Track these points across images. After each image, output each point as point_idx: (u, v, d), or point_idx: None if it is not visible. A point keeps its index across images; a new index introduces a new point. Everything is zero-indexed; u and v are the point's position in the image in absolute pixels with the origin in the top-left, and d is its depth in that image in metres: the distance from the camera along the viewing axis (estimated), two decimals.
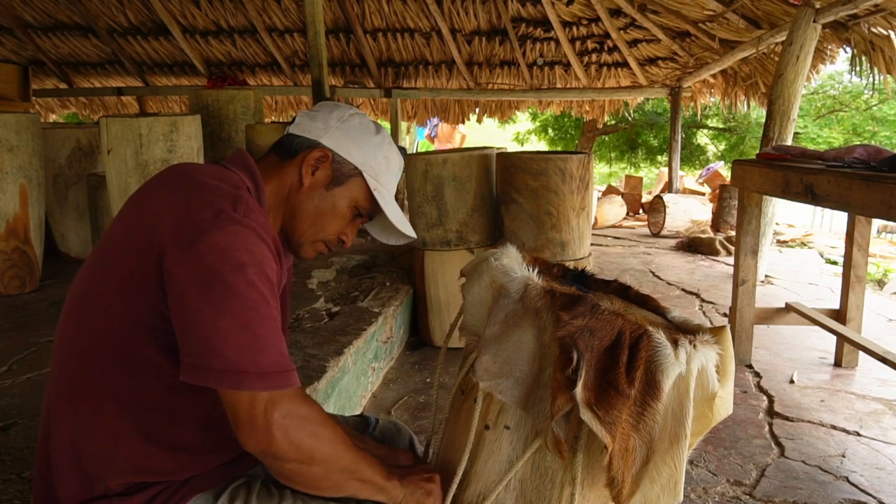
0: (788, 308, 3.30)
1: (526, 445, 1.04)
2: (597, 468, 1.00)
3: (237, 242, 0.93)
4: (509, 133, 15.47)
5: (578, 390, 0.91)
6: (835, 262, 5.68)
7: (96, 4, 7.24)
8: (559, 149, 13.06)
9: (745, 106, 7.00)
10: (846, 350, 3.21)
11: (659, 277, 5.08)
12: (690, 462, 2.33)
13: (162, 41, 7.70)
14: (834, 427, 2.60)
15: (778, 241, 6.63)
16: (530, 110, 12.11)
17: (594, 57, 7.44)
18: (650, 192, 9.23)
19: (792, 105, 4.48)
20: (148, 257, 0.95)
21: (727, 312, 3.63)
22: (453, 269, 3.37)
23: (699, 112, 8.65)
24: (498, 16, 7.19)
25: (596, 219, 7.38)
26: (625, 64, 7.41)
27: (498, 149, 3.99)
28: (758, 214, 3.15)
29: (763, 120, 4.91)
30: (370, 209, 1.21)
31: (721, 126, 12.76)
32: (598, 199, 7.97)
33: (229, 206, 0.97)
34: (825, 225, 9.33)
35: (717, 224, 6.69)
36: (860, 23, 4.40)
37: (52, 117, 9.17)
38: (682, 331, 1.06)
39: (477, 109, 8.29)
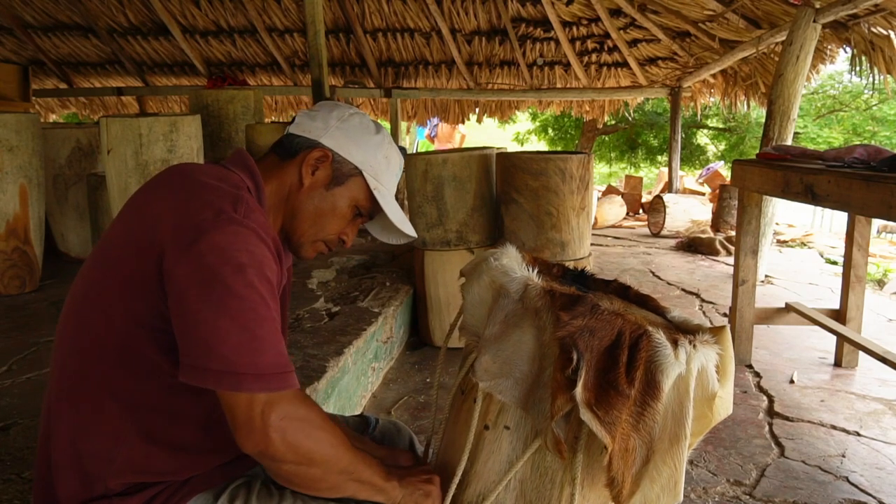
0: (788, 308, 3.30)
1: (526, 445, 1.04)
2: (597, 468, 1.00)
3: (237, 243, 0.93)
4: (509, 133, 15.48)
5: (578, 390, 0.91)
6: (835, 262, 5.68)
7: (96, 4, 7.24)
8: (559, 149, 13.06)
9: (745, 106, 7.00)
10: (846, 350, 3.21)
11: (659, 277, 5.08)
12: (690, 462, 2.33)
13: (162, 41, 7.70)
14: (834, 427, 2.60)
15: (778, 241, 6.63)
16: (530, 110, 12.11)
17: (594, 57, 7.44)
18: (650, 192, 9.23)
19: (792, 105, 4.48)
20: (148, 257, 0.95)
21: (727, 312, 3.63)
22: (453, 269, 3.37)
23: (699, 112, 8.65)
24: (498, 16, 7.19)
25: (596, 219, 7.38)
26: (625, 64, 7.41)
27: (498, 149, 3.99)
28: (758, 214, 3.15)
29: (763, 120, 4.91)
30: (370, 209, 1.21)
31: (721, 126, 12.77)
32: (598, 199, 7.97)
33: (229, 206, 0.97)
34: (825, 225, 9.33)
35: (717, 224, 6.69)
36: (860, 23, 4.40)
37: (52, 117, 9.17)
38: (682, 331, 1.05)
39: (477, 109, 8.29)
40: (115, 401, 0.99)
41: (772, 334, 3.67)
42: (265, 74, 8.03)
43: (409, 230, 1.24)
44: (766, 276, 5.00)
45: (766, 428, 2.61)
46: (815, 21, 4.25)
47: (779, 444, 2.47)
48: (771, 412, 2.75)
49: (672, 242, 6.51)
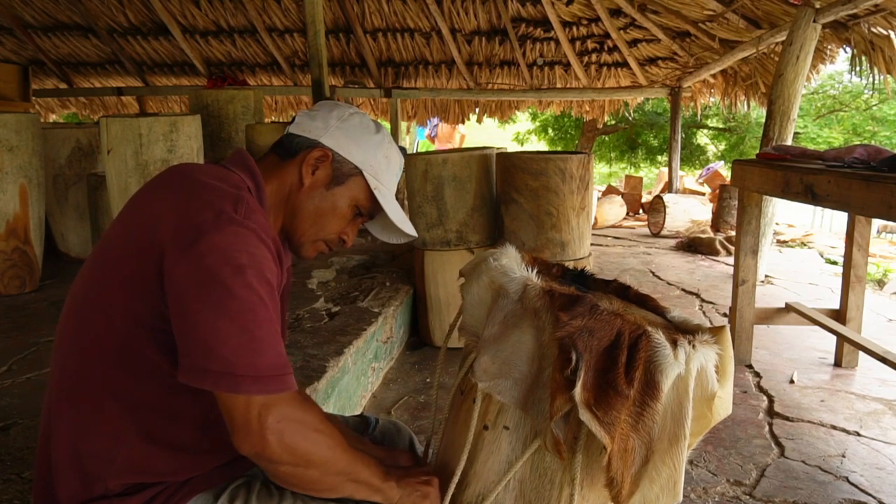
0: (788, 308, 3.30)
1: (525, 446, 1.04)
2: (596, 468, 1.00)
3: (237, 244, 0.93)
4: (509, 133, 15.47)
5: (577, 391, 0.91)
6: (835, 262, 5.68)
7: (96, 4, 7.24)
8: (559, 149, 13.06)
9: (745, 106, 7.00)
10: (846, 350, 3.21)
11: (659, 277, 5.08)
12: (690, 462, 2.33)
13: (162, 41, 7.70)
14: (834, 427, 2.60)
15: (778, 241, 6.63)
16: (530, 110, 12.11)
17: (594, 57, 7.44)
18: (650, 192, 9.23)
19: (792, 105, 4.48)
20: (148, 257, 0.95)
21: (727, 312, 3.63)
22: (453, 269, 3.37)
23: (699, 112, 8.65)
24: (498, 16, 7.19)
25: (596, 219, 7.38)
26: (625, 64, 7.41)
27: (498, 149, 3.99)
28: (758, 214, 3.15)
29: (763, 120, 4.91)
30: (371, 208, 1.20)
31: (721, 126, 12.76)
32: (598, 199, 7.97)
33: (230, 206, 0.97)
34: (825, 225, 9.33)
35: (717, 224, 6.69)
36: (860, 23, 4.40)
37: (52, 117, 9.17)
38: (682, 331, 1.05)
39: (477, 109, 8.29)
40: (115, 401, 0.99)
41: (772, 334, 3.66)
42: (265, 74, 8.03)
43: (410, 229, 1.24)
44: (766, 276, 5.00)
45: (766, 428, 2.61)
46: (815, 21, 4.25)
47: (779, 444, 2.47)
48: (771, 412, 2.75)
49: (672, 242, 6.51)
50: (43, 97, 8.44)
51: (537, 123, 13.92)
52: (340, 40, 7.57)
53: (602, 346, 0.93)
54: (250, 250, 0.94)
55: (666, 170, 8.63)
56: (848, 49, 4.73)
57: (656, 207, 7.14)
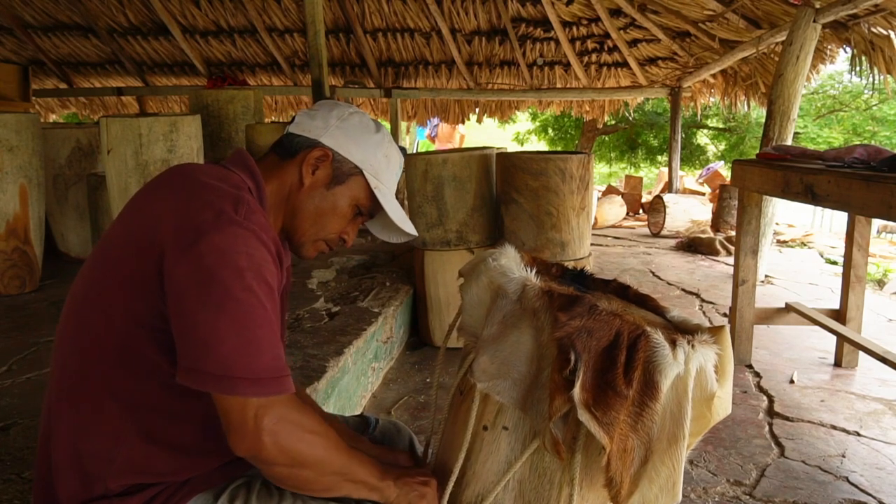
0: (788, 308, 3.30)
1: (524, 446, 1.04)
2: (595, 468, 1.00)
3: (237, 245, 0.93)
4: (509, 133, 15.47)
5: (576, 391, 0.91)
6: (835, 262, 5.68)
7: (96, 4, 7.24)
8: (559, 149, 13.06)
9: (745, 106, 7.00)
10: (846, 350, 3.21)
11: (659, 277, 5.08)
12: (690, 462, 2.33)
13: (162, 41, 7.70)
14: (834, 427, 2.60)
15: (778, 241, 6.63)
16: (530, 110, 12.11)
17: (594, 57, 7.44)
18: (650, 192, 9.23)
19: (792, 105, 4.48)
20: (148, 257, 0.95)
21: (727, 312, 3.63)
22: (453, 269, 3.35)
23: (699, 112, 8.65)
24: (498, 16, 7.19)
25: (596, 219, 7.38)
26: (625, 64, 7.41)
27: (498, 149, 4.00)
28: (758, 214, 3.15)
29: (763, 120, 4.91)
30: (371, 207, 1.20)
31: (721, 126, 12.76)
32: (598, 199, 7.97)
33: (230, 207, 0.97)
34: (825, 225, 9.33)
35: (717, 224, 6.69)
36: (860, 23, 4.40)
37: (52, 117, 9.18)
38: (681, 331, 1.05)
39: (477, 109, 8.29)
40: (115, 401, 0.99)
41: (772, 334, 3.66)
42: (265, 74, 8.04)
43: (410, 228, 1.24)
44: (766, 276, 5.00)
45: (766, 428, 2.61)
46: (815, 21, 4.25)
47: (779, 444, 2.47)
48: (771, 412, 2.75)
49: (672, 242, 6.51)
50: (43, 97, 8.44)
51: (537, 123, 13.92)
52: (340, 40, 7.57)
53: (601, 346, 0.93)
54: (250, 252, 0.94)
55: (666, 170, 8.63)
56: (848, 49, 4.73)
57: (656, 207, 7.14)
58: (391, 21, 7.34)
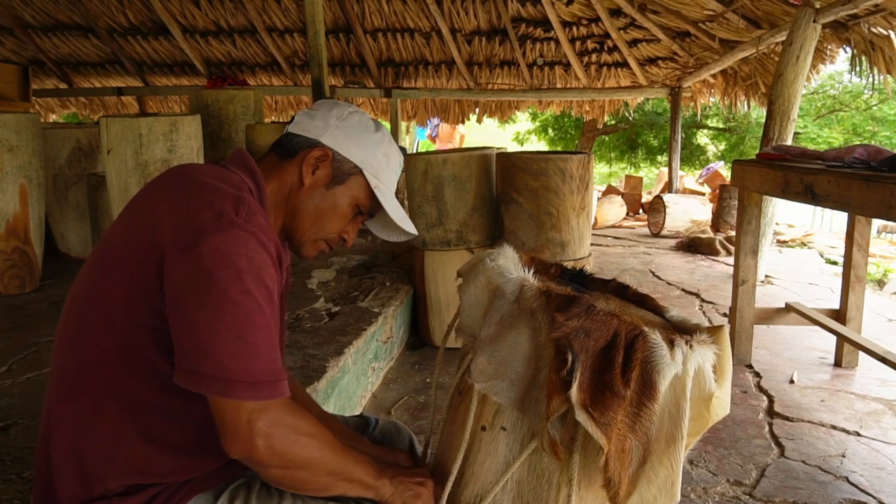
0: (788, 308, 3.30)
1: (522, 447, 1.04)
2: (593, 469, 1.00)
3: (236, 247, 0.93)
4: (509, 133, 15.47)
5: (573, 392, 0.91)
6: (835, 262, 5.68)
7: (96, 4, 7.24)
8: (559, 149, 13.06)
9: (745, 106, 6.99)
10: (846, 350, 3.21)
11: (659, 277, 5.08)
12: (690, 462, 2.33)
13: (162, 41, 7.71)
14: (834, 427, 2.60)
15: (778, 241, 6.63)
16: (530, 110, 12.11)
17: (594, 57, 7.44)
18: (650, 192, 9.23)
19: (792, 105, 4.48)
20: (149, 258, 0.95)
21: (727, 312, 3.63)
22: (453, 269, 3.35)
23: (699, 112, 8.65)
24: (498, 16, 7.19)
25: (596, 219, 7.38)
26: (625, 64, 7.41)
27: (498, 149, 4.00)
28: (758, 214, 3.15)
29: (763, 120, 4.91)
30: (371, 207, 1.21)
31: (721, 126, 12.76)
32: (598, 199, 7.97)
33: (231, 208, 0.97)
34: (825, 225, 9.33)
35: (717, 224, 6.69)
36: (860, 23, 4.40)
37: (52, 117, 9.18)
38: (680, 330, 1.05)
39: (477, 109, 8.29)
40: (115, 401, 0.99)
41: (772, 334, 3.66)
42: (265, 74, 8.04)
43: (410, 228, 1.24)
44: (766, 276, 5.00)
45: (766, 428, 2.61)
46: (815, 21, 4.25)
47: (779, 444, 2.47)
48: (771, 412, 2.75)
49: (672, 242, 6.51)
50: (43, 97, 8.44)
51: (537, 123, 13.92)
52: (340, 40, 7.57)
53: (598, 346, 0.93)
54: (250, 254, 0.94)
55: (666, 170, 8.62)
56: (848, 49, 4.73)
57: (656, 207, 7.13)
58: (391, 21, 7.35)
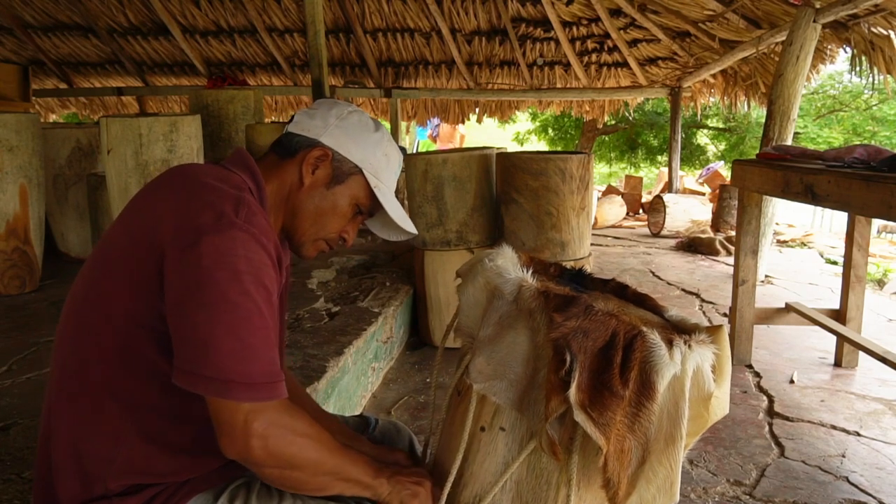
0: (788, 308, 3.30)
1: (521, 447, 1.04)
2: (592, 469, 1.00)
3: (236, 248, 0.93)
4: (509, 133, 15.47)
5: (572, 392, 0.91)
6: (835, 262, 5.68)
7: (96, 4, 7.24)
8: (559, 149, 13.06)
9: (745, 106, 7.00)
10: (846, 350, 3.21)
11: (659, 277, 5.08)
12: (690, 462, 2.33)
13: (162, 41, 7.71)
14: (834, 427, 2.60)
15: (778, 241, 6.63)
16: (530, 110, 12.11)
17: (594, 57, 7.44)
18: (650, 192, 9.23)
19: (792, 105, 4.48)
20: (149, 258, 0.95)
21: (727, 312, 3.63)
22: (453, 269, 3.35)
23: (699, 112, 8.65)
24: (498, 16, 7.19)
25: (596, 219, 7.38)
26: (625, 64, 7.41)
27: (498, 149, 3.99)
28: (758, 214, 3.15)
29: (763, 120, 4.91)
30: (371, 206, 1.20)
31: (721, 126, 12.76)
32: (598, 199, 7.97)
33: (231, 208, 0.97)
34: (825, 225, 9.33)
35: (717, 224, 6.69)
36: (860, 23, 4.40)
37: (52, 117, 9.18)
38: (679, 330, 1.05)
39: (477, 109, 8.29)
40: (115, 401, 0.99)
41: (772, 334, 3.66)
42: (265, 74, 8.04)
43: (410, 227, 1.24)
44: (766, 276, 5.00)
45: (766, 428, 2.61)
46: (815, 21, 4.25)
47: (779, 444, 2.47)
48: (771, 412, 2.75)
49: (672, 242, 6.51)
50: (43, 97, 8.44)
51: (537, 123, 13.92)
52: (340, 40, 7.57)
53: (597, 346, 0.93)
54: (249, 255, 0.94)
55: (666, 170, 8.62)
56: (848, 49, 4.73)
57: (656, 207, 7.13)
58: (391, 21, 7.35)
